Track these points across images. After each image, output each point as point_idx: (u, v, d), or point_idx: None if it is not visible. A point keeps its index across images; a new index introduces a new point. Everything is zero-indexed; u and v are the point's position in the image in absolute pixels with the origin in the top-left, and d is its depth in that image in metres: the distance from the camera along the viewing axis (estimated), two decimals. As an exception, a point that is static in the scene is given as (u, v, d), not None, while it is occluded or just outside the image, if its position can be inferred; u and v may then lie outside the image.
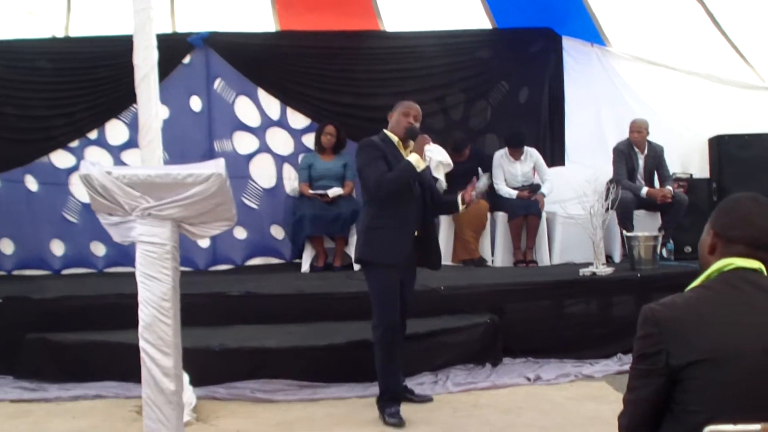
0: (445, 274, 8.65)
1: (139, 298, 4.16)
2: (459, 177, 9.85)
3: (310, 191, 9.54)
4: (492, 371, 7.06)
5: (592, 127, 10.75)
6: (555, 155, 10.59)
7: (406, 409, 5.98)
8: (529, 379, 6.89)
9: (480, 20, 10.86)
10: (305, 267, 9.57)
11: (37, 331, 7.35)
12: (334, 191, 9.50)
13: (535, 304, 7.78)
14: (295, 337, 7.04)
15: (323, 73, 10.49)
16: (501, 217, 9.71)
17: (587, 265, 8.33)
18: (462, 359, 7.14)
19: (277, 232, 10.32)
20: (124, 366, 6.65)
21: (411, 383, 6.62)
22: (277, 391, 6.56)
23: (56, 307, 7.66)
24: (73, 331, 7.23)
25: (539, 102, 10.77)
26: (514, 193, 9.68)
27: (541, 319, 7.72)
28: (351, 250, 9.50)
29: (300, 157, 10.17)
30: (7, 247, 10.08)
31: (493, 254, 9.78)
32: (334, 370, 6.77)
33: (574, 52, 10.84)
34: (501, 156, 9.95)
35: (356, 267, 9.37)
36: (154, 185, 4.08)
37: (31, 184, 10.09)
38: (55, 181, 9.99)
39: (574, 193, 9.03)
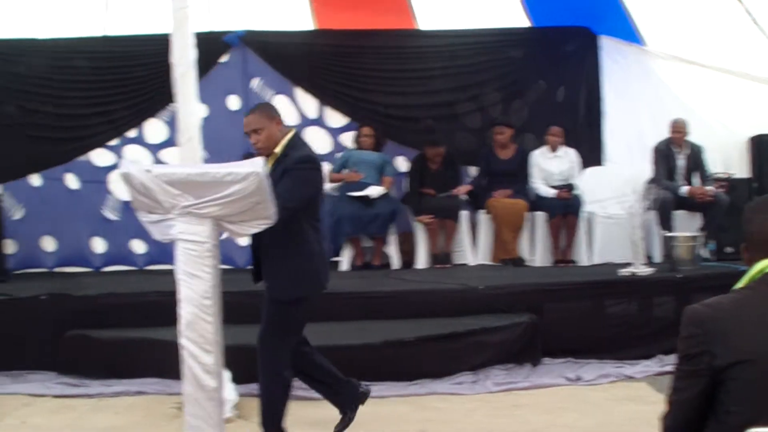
0: (485, 273, 8.66)
1: (181, 296, 4.18)
2: (503, 176, 9.87)
3: (349, 192, 9.51)
4: (531, 371, 7.03)
5: (630, 126, 10.64)
6: (592, 155, 10.51)
7: (444, 407, 5.97)
8: (569, 380, 6.85)
9: (517, 18, 10.79)
10: (344, 266, 9.59)
11: (79, 327, 7.44)
12: (376, 191, 9.47)
13: (574, 304, 7.71)
14: (332, 336, 7.02)
15: (360, 72, 10.49)
16: (540, 216, 9.66)
17: (627, 265, 8.26)
18: (501, 359, 7.11)
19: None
20: (164, 363, 6.67)
21: (449, 383, 6.61)
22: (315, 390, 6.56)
23: (97, 304, 7.72)
24: (114, 328, 7.29)
25: (576, 101, 10.70)
26: (552, 192, 9.62)
27: (581, 319, 7.64)
28: (390, 250, 9.51)
29: (337, 155, 10.18)
30: (49, 244, 10.17)
31: (532, 254, 9.73)
32: (372, 369, 6.73)
33: (611, 51, 10.75)
34: (538, 155, 9.91)
35: (395, 265, 9.41)
36: (193, 183, 4.09)
37: (72, 182, 10.18)
38: (95, 179, 10.07)
39: (614, 192, 8.99)
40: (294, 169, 5.09)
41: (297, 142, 5.36)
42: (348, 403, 5.72)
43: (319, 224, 5.40)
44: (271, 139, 5.26)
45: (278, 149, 5.28)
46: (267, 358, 5.34)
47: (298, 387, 6.41)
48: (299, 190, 5.11)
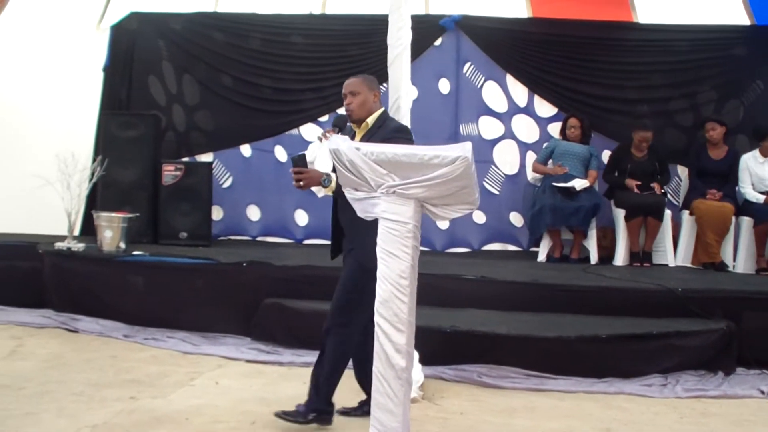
0: (684, 276, 8.43)
1: (378, 274, 4.22)
2: (713, 176, 9.56)
3: (554, 183, 9.42)
4: (724, 380, 6.76)
5: None
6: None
7: (630, 408, 5.86)
8: (762, 392, 6.56)
9: (738, 15, 10.40)
10: (542, 257, 9.52)
11: (275, 296, 7.66)
12: (581, 183, 9.35)
13: (775, 315, 7.41)
14: (525, 326, 7.00)
15: (572, 62, 10.33)
16: (746, 222, 9.31)
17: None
18: (693, 365, 6.88)
19: (516, 219, 10.30)
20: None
21: (638, 384, 6.48)
22: (503, 378, 6.55)
23: (295, 274, 7.92)
24: (309, 300, 7.45)
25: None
26: (761, 198, 9.26)
27: (781, 331, 7.33)
28: (589, 244, 9.38)
29: (544, 145, 10.08)
30: (254, 213, 10.50)
31: (734, 259, 9.40)
32: (562, 363, 6.68)
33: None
34: (749, 158, 9.53)
35: (593, 260, 9.27)
36: (400, 164, 4.12)
37: (281, 154, 10.47)
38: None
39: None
40: (393, 138, 5.07)
41: (387, 117, 5.41)
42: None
43: None
44: (365, 106, 5.32)
45: (370, 120, 5.33)
46: (338, 327, 5.30)
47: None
48: None
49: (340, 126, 5.51)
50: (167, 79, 10.62)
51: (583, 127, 9.83)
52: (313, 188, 5.31)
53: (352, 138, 5.37)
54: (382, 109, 5.41)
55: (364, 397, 5.63)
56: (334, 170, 5.09)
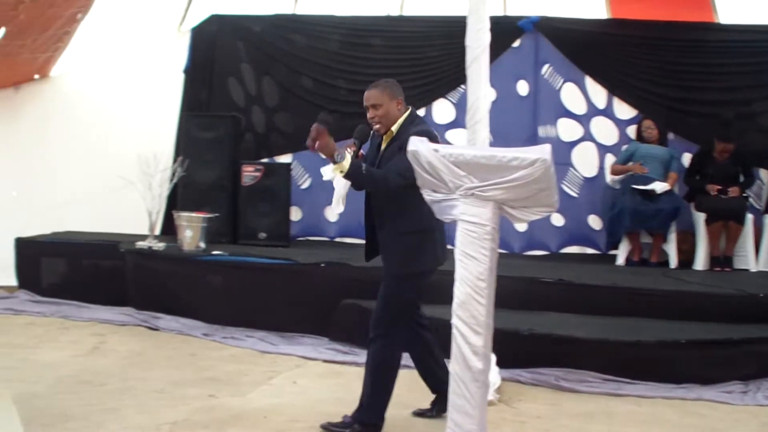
0: (765, 281, 8.31)
1: (456, 276, 4.22)
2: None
3: (634, 186, 9.31)
4: (807, 388, 6.64)
5: None
6: None
7: (709, 415, 5.78)
8: None
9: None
10: (620, 260, 9.41)
11: (353, 296, 7.69)
12: (661, 186, 9.23)
13: None
14: (603, 330, 6.95)
15: (652, 63, 10.18)
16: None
17: None
18: (775, 372, 6.78)
19: (595, 222, 10.20)
20: (433, 340, 6.82)
21: (718, 390, 6.38)
22: (580, 382, 6.52)
23: (372, 275, 7.88)
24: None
25: None
26: None
27: None
28: (669, 247, 9.27)
29: (623, 147, 9.97)
30: (332, 214, 10.53)
31: (819, 266, 9.22)
32: (641, 368, 6.62)
33: None
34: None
35: (673, 264, 9.15)
36: (479, 166, 4.12)
37: (358, 156, 10.49)
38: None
39: None
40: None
41: (413, 120, 5.32)
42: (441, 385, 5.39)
43: None
44: (389, 117, 5.28)
45: (394, 128, 5.28)
46: (380, 337, 5.28)
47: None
48: None
49: (361, 139, 5.44)
50: (247, 81, 10.73)
51: (659, 128, 9.72)
52: (322, 170, 5.36)
53: (379, 146, 5.40)
54: (407, 112, 5.36)
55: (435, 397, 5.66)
56: (355, 186, 5.22)
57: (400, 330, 5.28)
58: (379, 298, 5.33)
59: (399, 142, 5.13)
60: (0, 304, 8.87)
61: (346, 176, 5.11)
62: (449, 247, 4.66)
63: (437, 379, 5.50)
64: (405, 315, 5.29)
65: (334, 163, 5.05)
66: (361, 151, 5.41)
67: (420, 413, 5.69)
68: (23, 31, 8.92)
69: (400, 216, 5.21)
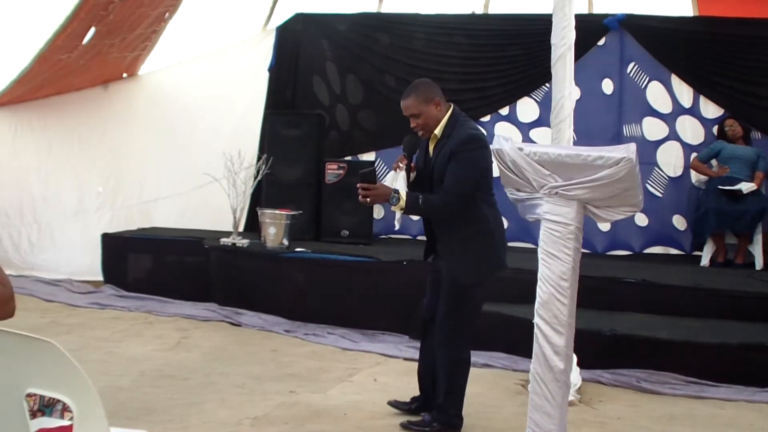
0: None
1: (539, 275, 4.20)
2: None
3: (720, 186, 9.16)
4: None
5: None
6: None
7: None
8: None
9: None
10: (704, 261, 9.27)
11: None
12: (747, 186, 9.07)
13: None
14: (686, 331, 6.88)
15: (740, 62, 9.98)
16: None
17: None
18: None
19: (679, 222, 10.06)
20: (513, 339, 6.82)
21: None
22: (662, 384, 6.46)
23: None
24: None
25: None
26: None
27: None
28: (754, 249, 9.11)
29: (710, 146, 9.81)
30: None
31: None
32: (724, 370, 6.55)
33: None
34: None
35: (758, 266, 8.98)
36: (563, 165, 4.10)
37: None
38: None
39: None
40: (461, 152, 5.05)
41: (457, 120, 5.25)
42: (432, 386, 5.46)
43: (493, 199, 5.28)
44: (429, 121, 5.23)
45: (437, 131, 5.23)
46: (446, 341, 5.24)
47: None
48: (471, 173, 5.09)
49: (409, 150, 5.45)
50: (331, 79, 10.78)
51: (742, 126, 9.56)
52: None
53: (426, 149, 5.37)
54: (449, 111, 5.28)
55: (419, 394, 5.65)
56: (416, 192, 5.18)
57: (465, 334, 5.27)
58: (442, 302, 5.28)
59: (447, 148, 5.14)
60: (86, 299, 9.06)
61: (407, 213, 5.20)
62: (531, 246, 4.65)
63: (432, 381, 5.49)
64: (471, 322, 5.29)
65: (392, 205, 5.08)
66: (413, 162, 5.44)
67: (395, 404, 5.68)
68: (112, 30, 9.09)
69: (457, 223, 5.21)
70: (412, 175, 5.40)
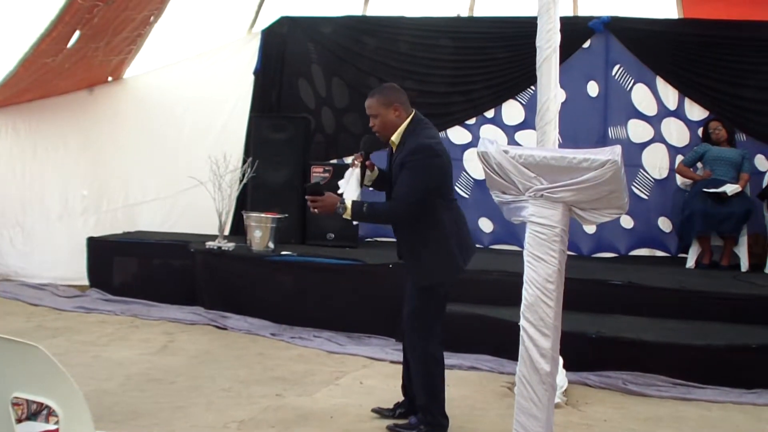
0: None
1: (525, 278, 4.21)
2: None
3: (705, 188, 9.18)
4: None
5: None
6: None
7: None
8: None
9: None
10: (690, 263, 9.28)
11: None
12: (732, 188, 9.08)
13: None
14: (672, 333, 6.91)
15: (725, 64, 9.98)
16: None
17: None
18: None
19: (665, 224, 10.07)
20: (500, 341, 6.82)
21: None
22: (649, 386, 6.47)
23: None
24: (456, 303, 7.41)
25: None
26: None
27: None
28: (740, 250, 9.13)
29: (694, 148, 9.83)
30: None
31: None
32: (710, 372, 6.56)
33: None
34: None
35: (744, 268, 9.01)
36: (549, 167, 4.10)
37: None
38: (451, 156, 10.28)
39: None
40: (409, 162, 5.09)
41: (415, 128, 5.26)
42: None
43: (453, 204, 5.35)
44: (386, 126, 5.27)
45: (395, 137, 5.27)
46: (416, 340, 5.28)
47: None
48: (420, 183, 5.10)
49: (367, 149, 5.46)
50: (317, 82, 10.78)
51: (726, 128, 9.58)
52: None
53: (391, 152, 5.41)
54: (408, 120, 5.29)
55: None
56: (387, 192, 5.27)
57: (435, 334, 5.28)
58: (407, 301, 5.37)
59: (401, 155, 5.17)
60: (72, 303, 9.04)
61: (353, 219, 5.29)
62: (517, 248, 4.65)
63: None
64: (436, 321, 5.30)
65: (340, 214, 5.15)
66: (370, 160, 5.45)
67: (378, 411, 5.68)
68: (97, 33, 9.07)
69: (413, 228, 5.26)
70: (369, 173, 5.42)
